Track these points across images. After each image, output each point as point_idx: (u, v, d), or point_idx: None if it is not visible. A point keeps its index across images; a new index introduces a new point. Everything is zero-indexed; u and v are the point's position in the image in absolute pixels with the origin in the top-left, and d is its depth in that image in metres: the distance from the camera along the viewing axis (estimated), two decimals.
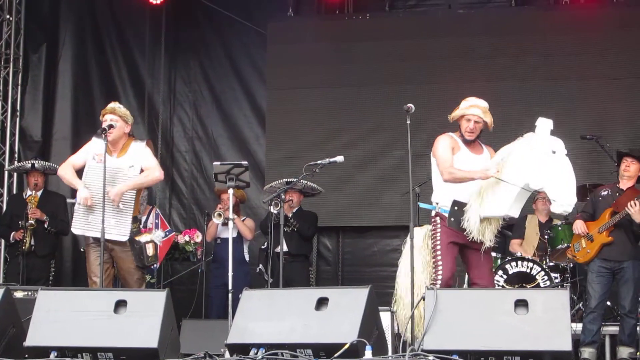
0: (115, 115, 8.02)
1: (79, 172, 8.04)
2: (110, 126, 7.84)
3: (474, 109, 7.65)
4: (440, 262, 7.42)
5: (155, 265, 9.98)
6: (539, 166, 7.18)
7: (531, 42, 11.67)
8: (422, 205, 7.77)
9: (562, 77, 11.51)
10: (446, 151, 7.58)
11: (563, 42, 11.57)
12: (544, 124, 7.33)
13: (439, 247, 7.47)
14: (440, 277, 7.40)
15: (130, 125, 8.15)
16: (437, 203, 7.59)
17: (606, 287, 8.75)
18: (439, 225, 7.53)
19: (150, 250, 7.90)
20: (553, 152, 7.19)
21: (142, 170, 8.00)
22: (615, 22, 11.51)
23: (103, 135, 7.76)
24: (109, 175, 7.82)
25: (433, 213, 7.63)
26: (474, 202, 7.43)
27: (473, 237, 7.42)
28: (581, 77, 11.47)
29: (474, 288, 7.34)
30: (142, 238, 7.91)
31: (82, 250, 8.13)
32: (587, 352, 8.73)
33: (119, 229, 7.84)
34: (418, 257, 7.56)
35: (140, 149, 8.06)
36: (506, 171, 7.29)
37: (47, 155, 12.11)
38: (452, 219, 7.44)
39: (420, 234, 7.76)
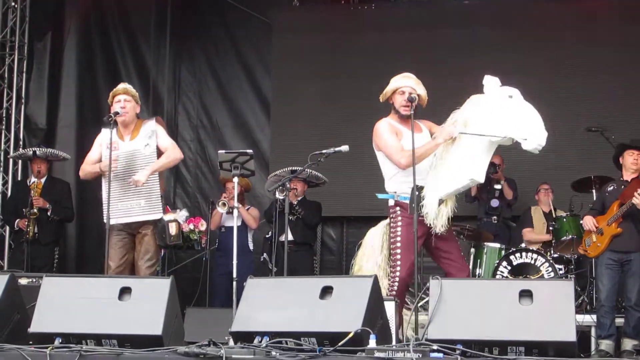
0: (128, 96, 8.07)
1: None
2: (117, 113, 7.86)
3: (406, 80, 7.35)
4: (399, 260, 7.02)
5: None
6: (498, 114, 6.86)
7: (536, 34, 11.65)
8: (380, 196, 7.41)
9: (567, 70, 11.51)
10: (391, 137, 7.19)
11: (569, 35, 11.57)
12: (491, 81, 7.05)
13: (399, 242, 7.04)
14: (397, 276, 7.01)
15: (139, 106, 8.18)
16: (394, 192, 7.17)
17: (614, 279, 8.75)
18: (399, 217, 7.07)
19: (173, 229, 7.93)
20: (510, 96, 6.90)
21: (158, 148, 8.03)
22: (621, 16, 11.48)
23: (110, 122, 7.77)
24: (127, 160, 7.95)
25: (392, 202, 7.20)
26: (430, 182, 7.03)
27: (429, 223, 6.96)
28: (587, 70, 11.47)
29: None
30: (166, 217, 7.94)
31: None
32: (604, 343, 8.79)
33: (150, 209, 7.96)
34: (371, 258, 7.27)
35: (152, 127, 8.09)
36: (467, 129, 6.94)
37: (51, 143, 12.11)
38: (414, 205, 6.92)
39: (376, 233, 7.41)
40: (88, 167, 8.16)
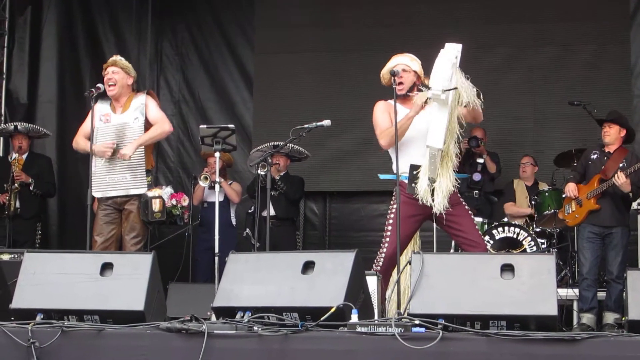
0: (117, 67, 8.08)
1: None
2: (98, 87, 7.84)
3: (399, 58, 7.22)
4: (388, 237, 7.01)
5: None
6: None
7: (519, 7, 11.65)
8: (382, 176, 7.37)
9: (550, 43, 11.51)
10: (380, 117, 7.14)
11: (551, 7, 11.55)
12: (450, 48, 6.68)
13: (391, 220, 7.01)
14: (383, 253, 7.02)
15: (132, 77, 8.16)
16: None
17: (596, 252, 8.80)
18: (398, 195, 6.84)
19: (156, 206, 7.89)
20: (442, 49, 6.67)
21: (147, 121, 8.02)
22: None
23: (91, 97, 7.80)
24: (118, 132, 7.99)
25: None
26: (424, 162, 6.91)
27: (422, 200, 6.85)
28: (569, 43, 11.47)
29: (462, 253, 7.17)
30: (150, 193, 7.91)
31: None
32: (585, 317, 8.87)
33: (135, 183, 7.95)
34: None
35: (142, 100, 8.09)
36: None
37: (32, 118, 11.98)
38: (413, 185, 6.91)
39: None
40: (82, 142, 8.13)
